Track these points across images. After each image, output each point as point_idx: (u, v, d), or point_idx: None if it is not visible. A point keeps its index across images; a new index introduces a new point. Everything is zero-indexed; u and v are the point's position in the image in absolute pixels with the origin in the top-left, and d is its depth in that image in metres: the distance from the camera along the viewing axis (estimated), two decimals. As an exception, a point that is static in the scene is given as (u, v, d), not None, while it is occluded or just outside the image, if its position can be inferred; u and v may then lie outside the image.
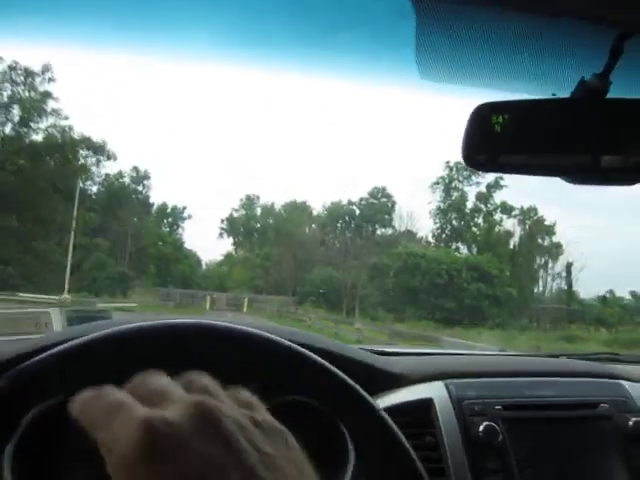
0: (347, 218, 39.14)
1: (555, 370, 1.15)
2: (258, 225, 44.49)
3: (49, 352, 0.65)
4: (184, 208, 41.91)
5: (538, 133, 0.72)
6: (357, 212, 38.98)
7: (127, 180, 37.11)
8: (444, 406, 0.96)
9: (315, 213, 42.51)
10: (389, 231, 38.55)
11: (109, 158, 33.42)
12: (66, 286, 23.18)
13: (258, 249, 40.01)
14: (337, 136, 54.68)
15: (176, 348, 0.68)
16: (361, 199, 38.97)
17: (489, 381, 1.05)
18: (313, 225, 42.25)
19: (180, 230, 41.79)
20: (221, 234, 44.56)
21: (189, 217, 42.56)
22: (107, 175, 35.78)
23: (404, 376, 1.03)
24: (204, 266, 41.93)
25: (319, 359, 0.69)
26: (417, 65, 0.78)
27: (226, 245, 45.35)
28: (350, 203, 39.37)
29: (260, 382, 0.50)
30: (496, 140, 0.71)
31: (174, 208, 42.28)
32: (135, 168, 36.99)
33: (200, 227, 53.68)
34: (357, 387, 0.68)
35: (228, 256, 42.74)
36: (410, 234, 37.33)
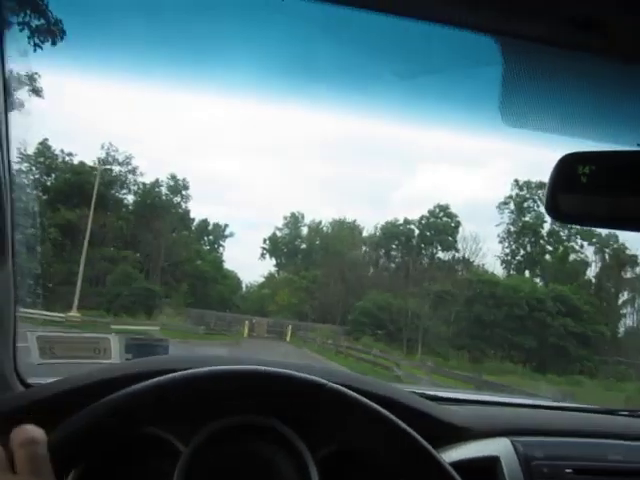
0: (404, 238, 35.03)
1: (623, 432, 1.08)
2: (303, 245, 40.96)
3: (142, 386, 0.68)
4: (226, 226, 39.00)
5: (625, 185, 0.70)
6: (416, 232, 34.86)
7: (164, 190, 34.25)
8: (511, 466, 0.92)
9: (366, 233, 38.66)
10: (450, 254, 34.12)
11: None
12: (75, 302, 19.83)
13: (303, 271, 36.28)
14: (389, 154, 50.97)
15: (245, 394, 0.70)
16: (421, 218, 34.85)
17: (558, 441, 1.01)
18: (364, 247, 38.30)
19: (220, 249, 38.86)
20: (263, 254, 41.16)
21: (231, 235, 39.57)
22: (144, 184, 33.15)
23: (466, 429, 0.99)
24: (244, 288, 38.83)
25: (385, 412, 0.68)
26: (500, 109, 0.79)
27: (268, 266, 42.04)
28: (407, 222, 35.34)
29: (325, 430, 0.63)
30: (582, 191, 0.70)
31: (216, 225, 39.34)
32: (173, 177, 34.16)
33: (241, 247, 50.47)
34: (424, 442, 0.67)
35: (270, 278, 39.21)
36: (466, 262, 32.85)
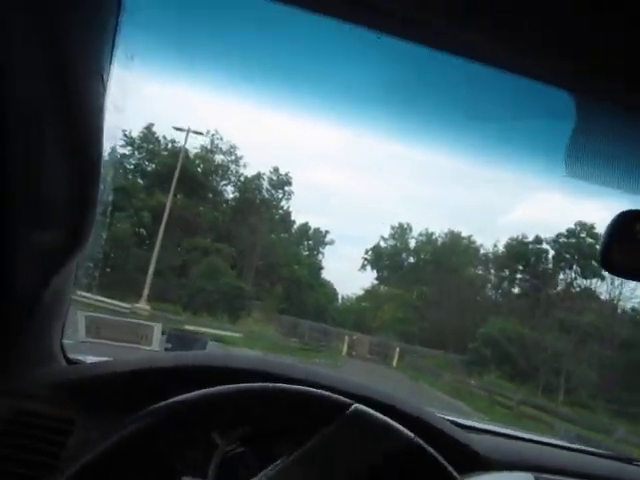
0: (533, 259, 29.72)
1: None
2: (411, 259, 36.70)
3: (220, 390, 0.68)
4: (326, 232, 35.62)
5: None
6: (550, 253, 29.43)
7: (265, 184, 31.60)
8: None
9: (483, 251, 33.64)
10: (592, 282, 28.23)
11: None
12: (145, 292, 17.03)
13: (409, 286, 32.04)
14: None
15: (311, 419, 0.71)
16: (558, 236, 29.34)
17: None
18: (480, 265, 33.31)
19: (319, 256, 35.63)
20: (364, 266, 37.31)
21: (331, 243, 36.16)
22: (245, 177, 30.78)
23: (491, 459, 1.01)
24: (339, 300, 35.33)
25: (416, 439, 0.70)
26: (565, 162, 0.82)
27: (368, 279, 38.15)
28: (538, 241, 29.98)
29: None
30: (637, 248, 0.73)
31: (316, 230, 36.18)
32: (276, 170, 31.40)
33: (336, 257, 47.27)
34: (451, 469, 0.70)
35: (371, 291, 35.29)
36: (589, 291, 26.89)
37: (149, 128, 29.12)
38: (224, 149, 30.24)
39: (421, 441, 0.67)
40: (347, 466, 0.69)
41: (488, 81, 0.75)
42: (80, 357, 1.09)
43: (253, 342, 12.25)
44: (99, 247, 1.26)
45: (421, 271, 33.42)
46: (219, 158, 30.27)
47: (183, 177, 25.45)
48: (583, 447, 1.28)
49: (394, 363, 20.09)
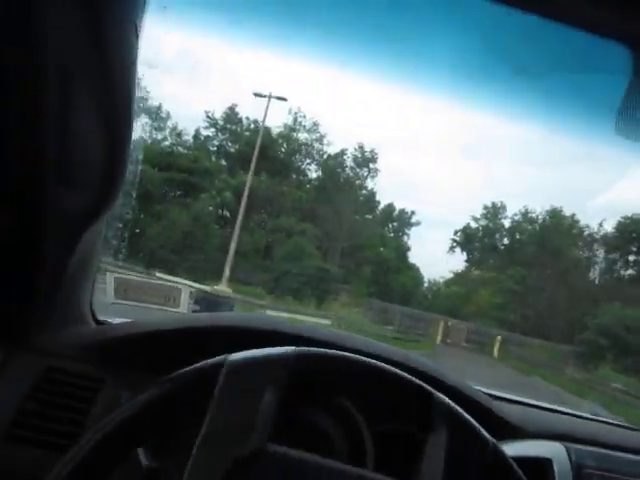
0: (652, 239, 26.38)
1: None
2: (505, 240, 34.07)
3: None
4: (412, 213, 33.74)
5: None
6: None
7: (349, 162, 30.26)
8: (563, 470, 0.93)
9: (588, 231, 30.42)
10: None
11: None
12: (225, 273, 16.21)
13: (504, 269, 29.62)
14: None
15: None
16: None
17: (611, 454, 1.00)
18: (584, 246, 30.15)
19: (405, 237, 33.86)
20: (452, 248, 35.08)
21: (417, 224, 34.25)
22: (329, 155, 29.63)
23: (521, 428, 1.01)
24: (425, 283, 33.49)
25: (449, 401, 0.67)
26: (616, 120, 0.78)
27: (455, 261, 35.89)
28: (656, 219, 26.53)
29: (386, 409, 0.62)
30: None
31: (401, 211, 34.41)
32: (360, 147, 29.95)
33: (423, 237, 44.93)
34: (485, 433, 0.67)
35: (462, 275, 33.11)
36: None
37: (232, 109, 29.00)
38: (307, 127, 29.36)
39: (459, 408, 0.64)
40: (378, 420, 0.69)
41: (540, 33, 0.72)
42: (109, 319, 1.10)
43: (345, 330, 11.19)
44: (129, 209, 1.24)
45: (518, 253, 30.84)
46: (302, 136, 29.49)
47: (266, 156, 24.90)
48: (611, 420, 1.27)
49: (495, 353, 18.25)
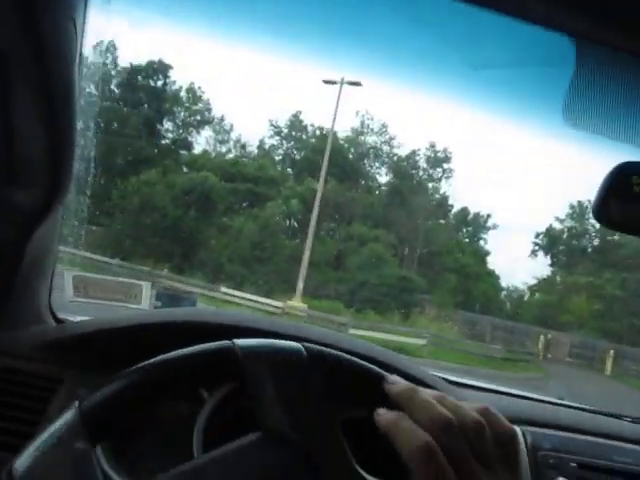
0: None
1: (629, 436, 1.09)
2: (596, 241, 30.98)
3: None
4: (488, 216, 31.24)
5: None
6: None
7: (422, 163, 28.39)
8: None
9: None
10: None
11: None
12: (299, 287, 14.71)
13: (599, 273, 26.68)
14: None
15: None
16: None
17: (566, 436, 1.03)
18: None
19: (481, 242, 31.43)
20: (534, 252, 32.20)
21: (494, 227, 31.69)
22: (399, 157, 27.95)
23: None
24: (503, 291, 30.91)
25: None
26: (563, 110, 0.81)
27: (538, 266, 33.00)
28: None
29: (353, 396, 0.58)
30: (634, 201, 0.71)
31: (476, 215, 32.04)
32: (432, 146, 28.02)
33: (501, 241, 41.97)
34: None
35: (548, 280, 30.27)
36: None
37: (296, 116, 28.14)
38: (375, 129, 27.86)
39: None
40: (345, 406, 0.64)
41: (487, 26, 0.74)
42: (69, 317, 1.08)
43: (441, 352, 9.32)
44: (83, 205, 1.23)
45: (612, 254, 27.82)
46: (371, 139, 28.02)
47: (334, 162, 23.71)
48: (569, 402, 1.26)
49: (608, 369, 15.80)
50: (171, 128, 28.85)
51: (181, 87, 28.69)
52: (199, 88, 28.72)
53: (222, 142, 29.17)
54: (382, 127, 27.83)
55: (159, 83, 28.19)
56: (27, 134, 0.75)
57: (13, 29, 0.64)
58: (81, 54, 0.77)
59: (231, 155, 26.78)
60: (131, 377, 0.54)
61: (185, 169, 23.72)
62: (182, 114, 28.99)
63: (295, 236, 20.61)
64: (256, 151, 27.80)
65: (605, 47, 0.68)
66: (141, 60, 27.84)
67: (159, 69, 27.99)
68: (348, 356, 0.60)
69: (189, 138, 28.94)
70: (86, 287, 1.43)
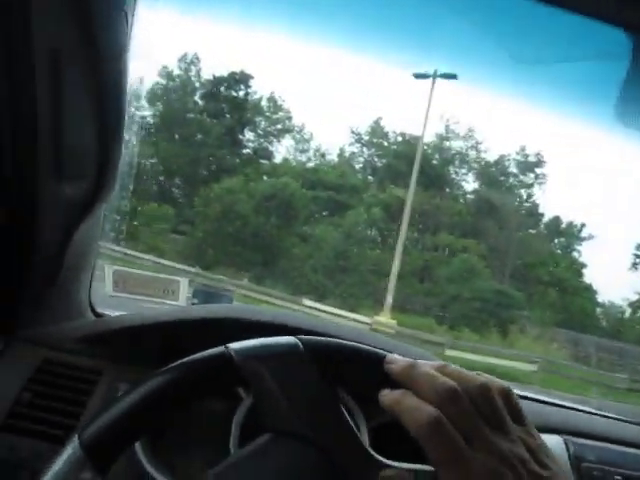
0: None
1: None
2: None
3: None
4: (582, 226, 28.72)
5: None
6: None
7: (512, 168, 26.59)
8: (562, 464, 0.83)
9: None
10: None
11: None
12: (388, 300, 13.61)
13: None
14: None
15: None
16: None
17: (610, 447, 0.99)
18: None
19: (575, 254, 28.92)
20: (635, 265, 29.22)
21: (589, 238, 29.08)
22: (487, 162, 26.36)
23: None
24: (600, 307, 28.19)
25: None
26: (615, 108, 0.77)
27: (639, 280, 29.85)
28: None
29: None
30: None
31: (569, 224, 29.59)
32: (522, 149, 26.14)
33: (595, 252, 38.58)
34: None
35: (656, 296, 27.23)
36: None
37: (377, 122, 27.38)
38: (461, 134, 26.47)
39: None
40: (373, 413, 0.65)
41: (536, 18, 0.71)
42: (108, 311, 1.10)
43: (555, 379, 8.06)
44: (126, 200, 1.26)
45: None
46: (456, 144, 26.65)
47: (418, 168, 22.63)
48: (612, 414, 1.19)
49: None
50: (252, 138, 28.99)
51: (262, 97, 28.78)
52: (279, 97, 28.68)
53: (302, 151, 28.93)
54: (469, 131, 26.42)
55: (241, 93, 28.41)
56: (76, 128, 0.76)
57: (65, 24, 0.65)
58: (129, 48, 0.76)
59: (311, 164, 26.44)
60: (127, 400, 0.52)
61: (265, 178, 23.53)
62: (263, 123, 29.03)
63: (379, 246, 19.68)
64: (336, 159, 27.29)
65: None
66: (223, 71, 28.27)
67: (241, 79, 28.21)
68: (345, 342, 0.59)
69: (270, 147, 28.93)
70: (125, 282, 1.43)
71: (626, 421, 1.16)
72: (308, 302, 12.04)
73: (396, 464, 0.54)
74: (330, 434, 0.52)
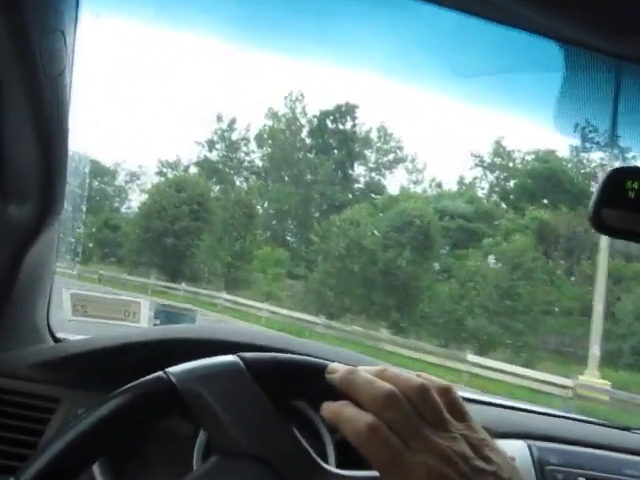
0: None
1: (639, 449, 1.07)
2: None
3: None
4: None
5: None
6: None
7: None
8: (525, 469, 0.92)
9: None
10: None
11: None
12: (593, 352, 10.05)
13: None
14: None
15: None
16: None
17: (573, 449, 1.00)
18: None
19: None
20: None
21: None
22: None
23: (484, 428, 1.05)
24: None
25: None
26: (554, 114, 0.81)
27: None
28: None
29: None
30: (628, 206, 0.70)
31: None
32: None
33: None
34: None
35: None
36: None
37: (498, 142, 24.89)
38: (601, 142, 23.13)
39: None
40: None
41: (476, 33, 0.72)
42: (69, 336, 1.07)
43: None
44: (79, 222, 1.24)
45: None
46: (596, 156, 23.35)
47: (556, 186, 19.77)
48: (577, 416, 1.21)
49: None
50: (362, 172, 27.52)
51: (371, 128, 27.34)
52: (389, 126, 27.07)
53: (416, 182, 27.00)
54: (608, 139, 23.06)
55: (348, 125, 27.18)
56: (18, 150, 0.76)
57: (2, 47, 0.65)
58: (71, 68, 0.77)
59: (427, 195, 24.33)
60: (65, 440, 0.51)
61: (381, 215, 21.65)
62: (373, 156, 27.51)
63: (543, 280, 16.52)
64: (455, 188, 24.93)
65: (592, 52, 0.67)
66: (329, 105, 27.28)
67: (347, 110, 27.05)
68: (286, 355, 0.58)
69: (382, 180, 27.29)
70: (84, 306, 1.43)
71: (588, 421, 1.17)
72: (473, 357, 9.56)
73: (348, 472, 0.54)
74: (277, 449, 0.52)
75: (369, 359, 1.03)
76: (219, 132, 28.19)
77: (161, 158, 26.08)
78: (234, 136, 28.27)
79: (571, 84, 0.75)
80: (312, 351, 0.90)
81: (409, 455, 0.44)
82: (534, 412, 1.16)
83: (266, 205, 26.16)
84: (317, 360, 0.57)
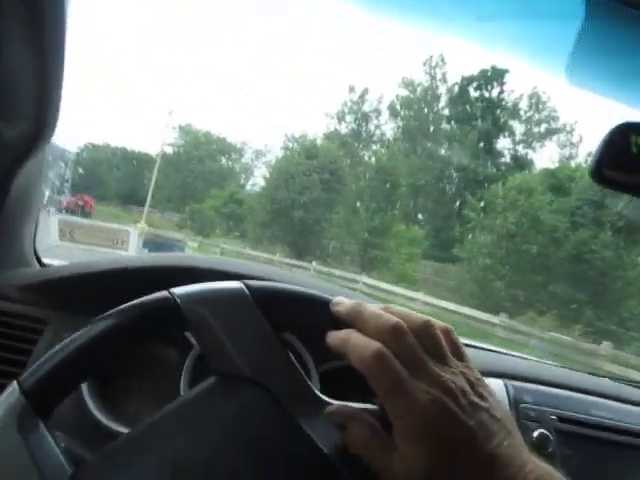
0: None
1: (610, 394, 1.12)
2: None
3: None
4: None
5: None
6: None
7: None
8: None
9: None
10: None
11: None
12: None
13: None
14: None
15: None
16: None
17: (547, 390, 1.04)
18: None
19: None
20: None
21: None
22: None
23: None
24: None
25: None
26: (567, 67, 0.79)
27: None
28: None
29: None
30: (631, 161, 0.71)
31: None
32: None
33: None
34: None
35: None
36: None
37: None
38: None
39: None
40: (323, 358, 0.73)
41: None
42: (55, 261, 1.08)
43: None
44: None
45: None
46: None
47: None
48: (552, 362, 1.28)
49: None
50: (507, 145, 24.29)
51: (521, 95, 23.96)
52: (544, 93, 23.52)
53: (569, 158, 23.36)
54: None
55: (494, 92, 24.05)
56: (13, 68, 0.76)
57: None
58: None
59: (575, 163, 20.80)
60: (68, 344, 0.52)
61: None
62: (522, 126, 24.16)
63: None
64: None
65: (617, 2, 0.65)
66: (472, 70, 24.30)
67: (493, 76, 23.92)
68: (291, 286, 0.59)
69: (530, 154, 23.91)
70: (72, 231, 1.40)
71: (562, 366, 1.26)
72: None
73: (341, 403, 0.55)
74: (274, 375, 0.53)
75: (354, 294, 0.98)
76: (349, 104, 26.36)
77: (287, 133, 24.71)
78: (365, 108, 26.30)
79: None
80: (299, 283, 0.90)
81: (412, 383, 0.45)
82: (512, 355, 1.23)
83: (395, 179, 23.86)
84: (322, 294, 0.57)
